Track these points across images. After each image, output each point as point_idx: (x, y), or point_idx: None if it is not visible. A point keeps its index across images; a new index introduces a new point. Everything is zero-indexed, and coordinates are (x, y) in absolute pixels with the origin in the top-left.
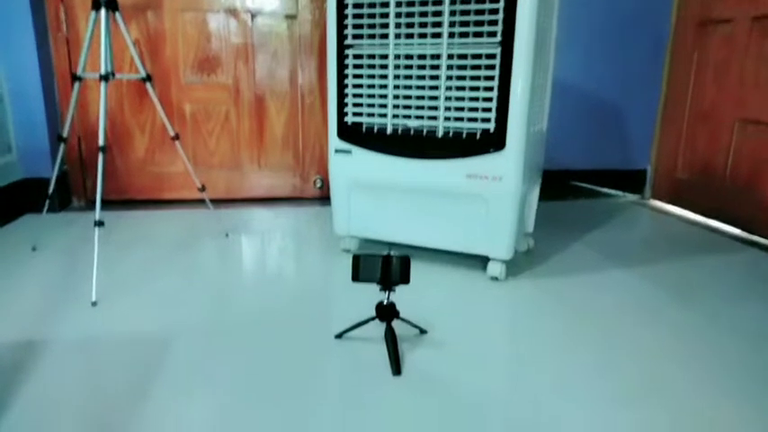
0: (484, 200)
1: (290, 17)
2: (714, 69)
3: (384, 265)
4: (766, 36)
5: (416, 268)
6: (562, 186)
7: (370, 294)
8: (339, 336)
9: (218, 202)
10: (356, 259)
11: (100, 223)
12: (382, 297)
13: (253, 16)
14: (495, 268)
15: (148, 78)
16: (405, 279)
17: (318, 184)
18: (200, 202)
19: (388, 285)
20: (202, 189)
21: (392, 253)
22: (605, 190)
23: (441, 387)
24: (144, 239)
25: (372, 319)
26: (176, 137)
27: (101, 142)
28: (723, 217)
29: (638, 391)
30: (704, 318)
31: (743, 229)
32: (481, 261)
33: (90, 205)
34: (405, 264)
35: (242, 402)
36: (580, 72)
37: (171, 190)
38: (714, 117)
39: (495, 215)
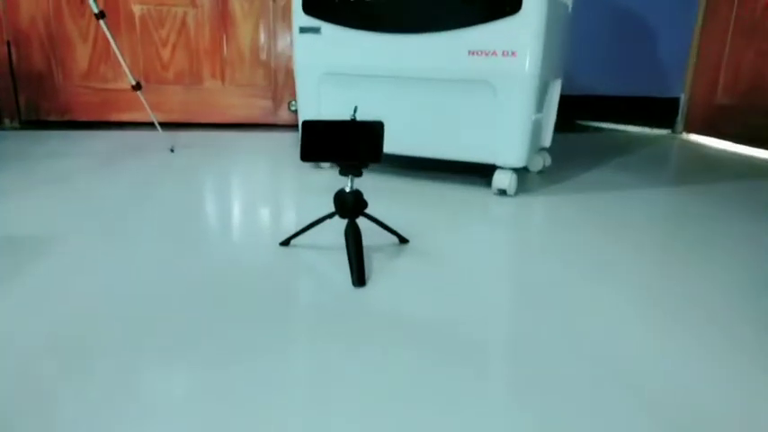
0: (491, 86)
1: None
2: None
3: (344, 134)
4: None
5: (403, 181)
6: (574, 117)
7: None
8: (285, 242)
9: (172, 125)
10: (306, 129)
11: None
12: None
13: None
14: (502, 179)
15: None
16: (374, 154)
17: (293, 107)
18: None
19: (351, 164)
20: (137, 87)
21: (357, 117)
22: (627, 127)
23: (417, 305)
24: (66, 154)
25: (330, 216)
26: (101, 14)
27: None
28: None
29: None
30: None
31: None
32: (486, 176)
33: (26, 126)
34: (374, 131)
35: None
36: None
37: (121, 111)
38: (766, 27)
39: (506, 107)
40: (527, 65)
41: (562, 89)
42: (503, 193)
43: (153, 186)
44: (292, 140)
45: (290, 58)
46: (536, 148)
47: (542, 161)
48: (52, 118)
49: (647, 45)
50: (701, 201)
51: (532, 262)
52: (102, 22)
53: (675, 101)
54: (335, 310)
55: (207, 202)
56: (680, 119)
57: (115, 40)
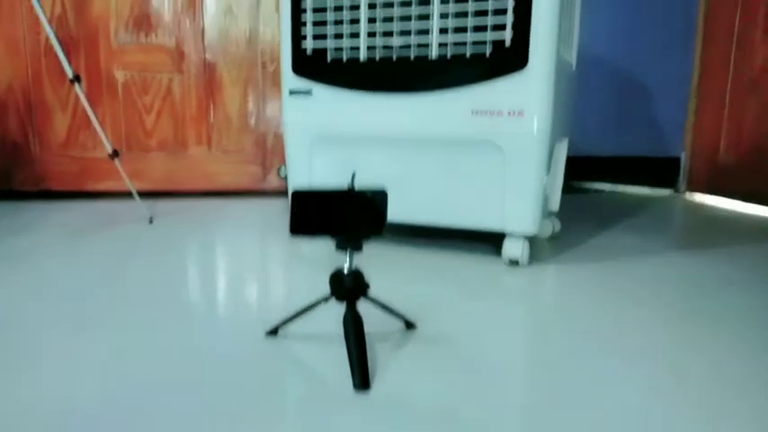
0: (497, 148)
1: None
2: (765, 29)
3: (341, 205)
4: None
5: (405, 253)
6: (586, 176)
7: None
8: (273, 331)
9: (156, 194)
10: (297, 200)
11: None
12: (341, 264)
13: None
14: (514, 248)
15: None
16: (375, 226)
17: (283, 173)
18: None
19: (349, 239)
20: (114, 155)
21: (355, 184)
22: (629, 187)
23: (430, 413)
24: (31, 228)
25: (326, 299)
26: (77, 79)
27: None
28: None
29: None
30: None
31: None
32: (495, 244)
33: (2, 198)
34: (375, 200)
35: None
36: (598, 39)
37: (99, 179)
38: (767, 82)
39: (514, 170)
40: (536, 125)
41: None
42: (514, 263)
43: (124, 264)
44: (282, 207)
45: (279, 123)
46: (545, 214)
47: (552, 226)
48: (26, 188)
49: (646, 105)
50: (714, 266)
51: (551, 344)
52: (77, 86)
53: (677, 160)
54: (332, 422)
55: (183, 282)
56: (682, 178)
57: (91, 106)
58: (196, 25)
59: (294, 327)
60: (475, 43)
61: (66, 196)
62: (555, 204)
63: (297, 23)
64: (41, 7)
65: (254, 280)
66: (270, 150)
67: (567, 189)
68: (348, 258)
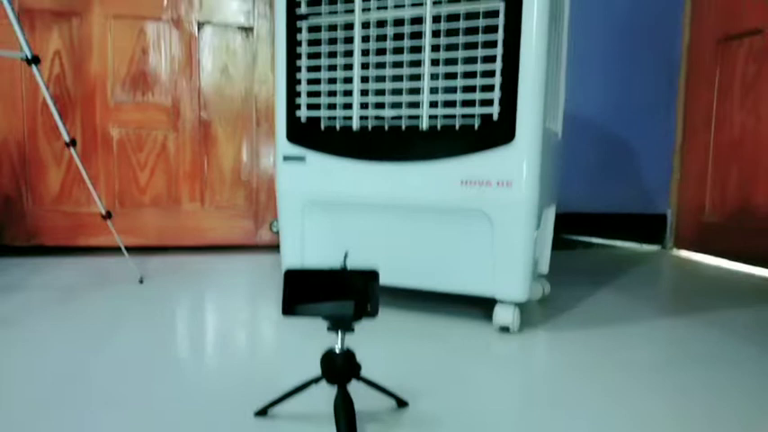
0: (486, 216)
1: (245, 29)
2: (743, 89)
3: (334, 285)
4: None
5: (396, 317)
6: (568, 233)
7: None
8: (261, 412)
9: (147, 249)
10: (290, 279)
11: None
12: (333, 343)
13: (200, 27)
14: (504, 314)
15: (34, 61)
16: (371, 308)
17: (275, 228)
18: (128, 249)
19: (341, 321)
20: (107, 216)
21: (349, 267)
22: (618, 242)
23: None
24: (21, 287)
25: (316, 380)
26: (72, 143)
27: None
28: None
29: None
30: None
31: None
32: (485, 307)
33: None
34: (368, 282)
35: None
36: (585, 101)
37: (91, 234)
38: (747, 145)
39: (503, 238)
40: (523, 195)
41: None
42: (505, 329)
43: (108, 332)
44: (274, 262)
45: (271, 179)
46: (535, 276)
47: (542, 289)
48: (18, 243)
49: (633, 163)
50: (710, 332)
51: (543, 424)
52: (72, 150)
53: (663, 217)
54: None
55: (169, 354)
56: (669, 235)
57: (86, 169)
58: (192, 84)
59: (284, 406)
60: (464, 116)
61: (59, 251)
62: (544, 267)
63: (292, 92)
64: (40, 73)
65: (243, 352)
66: (262, 205)
67: (557, 244)
68: (339, 339)
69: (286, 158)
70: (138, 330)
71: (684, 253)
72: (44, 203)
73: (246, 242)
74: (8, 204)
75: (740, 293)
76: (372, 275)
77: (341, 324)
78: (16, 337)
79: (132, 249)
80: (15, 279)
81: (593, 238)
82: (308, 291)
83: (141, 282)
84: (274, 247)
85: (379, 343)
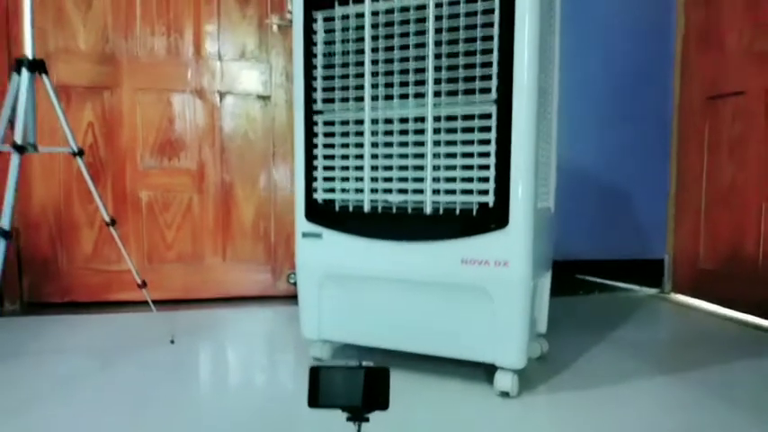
0: (485, 292)
1: (263, 98)
2: (730, 146)
3: (353, 383)
4: None
5: (403, 381)
6: (571, 279)
7: (340, 422)
8: None
9: (173, 302)
10: (314, 375)
11: None
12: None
13: (221, 97)
14: (504, 380)
15: (79, 153)
16: (382, 402)
17: (293, 280)
18: (155, 303)
19: (358, 412)
20: (143, 285)
21: (364, 364)
22: (619, 284)
23: None
24: (66, 350)
25: None
26: (112, 223)
27: (5, 225)
28: (760, 311)
29: None
30: None
31: None
32: (487, 371)
33: (27, 309)
34: (381, 380)
35: None
36: (584, 152)
37: (121, 290)
38: (736, 198)
39: (502, 311)
40: (518, 274)
41: (556, 255)
42: (505, 394)
43: (144, 400)
44: (291, 313)
45: (288, 234)
46: (533, 337)
47: (540, 347)
48: (53, 300)
49: (631, 211)
50: (706, 398)
51: None
52: (112, 229)
53: (661, 262)
54: None
55: (197, 425)
56: (666, 279)
57: (125, 247)
58: (215, 149)
59: None
60: (463, 202)
61: (90, 306)
62: (542, 327)
63: (309, 177)
64: (85, 165)
65: (266, 425)
66: (280, 259)
67: (561, 289)
68: (357, 429)
69: (305, 235)
70: (169, 401)
71: (681, 297)
72: (77, 262)
73: (265, 293)
74: (45, 264)
75: (731, 347)
76: (384, 372)
77: (357, 415)
78: (52, 409)
79: (159, 302)
80: (53, 341)
81: (595, 278)
82: (328, 385)
83: (172, 342)
84: (291, 297)
85: (390, 407)
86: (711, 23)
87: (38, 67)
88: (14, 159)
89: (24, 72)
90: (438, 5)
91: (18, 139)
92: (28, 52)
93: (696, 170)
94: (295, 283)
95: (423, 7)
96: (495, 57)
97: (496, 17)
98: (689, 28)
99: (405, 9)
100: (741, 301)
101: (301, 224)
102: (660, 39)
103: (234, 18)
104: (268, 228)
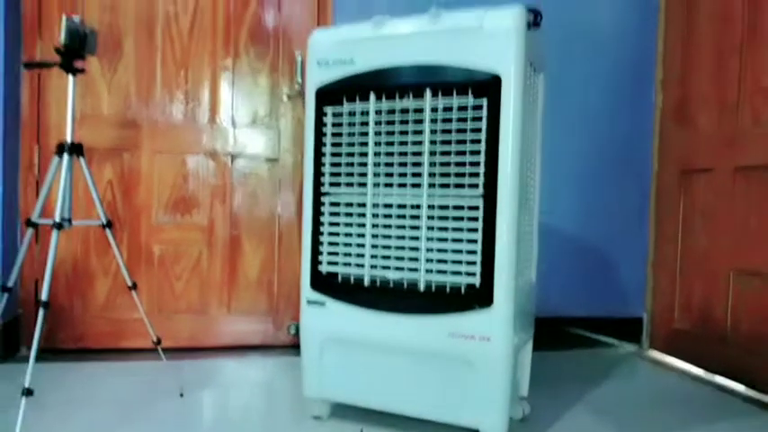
0: (470, 363)
1: (272, 160)
2: (702, 217)
3: None
4: (751, 186)
5: None
6: (556, 334)
7: None
8: None
9: (180, 351)
10: None
11: (28, 392)
12: None
13: (233, 158)
14: None
15: (109, 225)
16: None
17: (293, 331)
18: (164, 351)
19: None
20: (158, 342)
21: None
22: (602, 338)
23: None
24: (85, 401)
25: None
26: (134, 286)
27: (44, 296)
28: (729, 373)
29: None
30: None
31: (752, 387)
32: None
33: (43, 355)
34: None
35: None
36: (568, 215)
37: (131, 338)
38: (708, 265)
39: (484, 381)
40: (500, 349)
41: (540, 311)
42: None
43: None
44: (292, 362)
45: (290, 286)
46: (515, 399)
47: (522, 410)
48: (66, 346)
49: (612, 272)
50: None
51: None
52: (134, 293)
53: (640, 320)
54: None
55: None
56: (645, 337)
57: (144, 308)
58: (226, 206)
59: None
60: (453, 282)
61: (102, 353)
62: (524, 390)
63: (315, 250)
64: (113, 235)
65: None
66: (282, 310)
67: (546, 343)
68: None
69: (309, 302)
70: None
71: (658, 355)
72: (91, 310)
73: (266, 343)
74: (61, 312)
75: (704, 412)
76: None
77: None
78: None
79: (167, 350)
80: (69, 391)
81: (579, 331)
82: None
83: (182, 395)
84: (290, 347)
85: None
86: (685, 102)
87: (76, 150)
88: (54, 236)
89: (65, 155)
90: (434, 110)
91: (57, 216)
92: (68, 137)
93: (672, 236)
94: (296, 334)
95: (420, 110)
96: (482, 157)
97: (484, 124)
98: (666, 105)
99: (404, 110)
100: (711, 362)
101: (306, 292)
102: (641, 113)
103: (248, 88)
104: (272, 280)
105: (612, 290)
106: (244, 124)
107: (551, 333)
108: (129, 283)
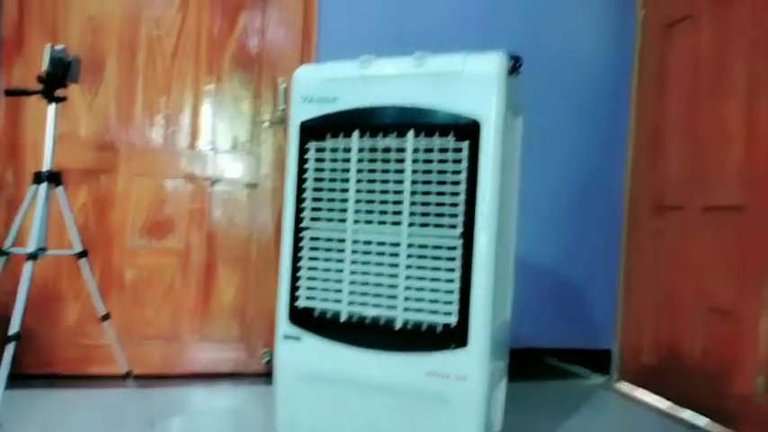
0: (446, 401)
1: (251, 186)
2: (671, 254)
3: None
4: (720, 226)
5: None
6: (531, 365)
7: None
8: None
9: (151, 378)
10: None
11: None
12: None
13: (212, 183)
14: None
15: (83, 254)
16: None
17: (266, 359)
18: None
19: None
20: (127, 375)
21: None
22: (574, 368)
23: None
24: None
25: None
26: (106, 317)
27: (14, 328)
28: (696, 407)
29: None
30: None
31: (719, 422)
32: None
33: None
34: None
35: None
36: (544, 251)
37: (100, 364)
38: (677, 302)
39: (460, 419)
40: (475, 389)
41: (515, 343)
42: None
43: None
44: (263, 393)
45: (264, 313)
46: None
47: None
48: (33, 371)
49: (583, 305)
50: None
51: None
52: (107, 323)
53: (609, 353)
54: None
55: None
56: (614, 369)
57: (115, 337)
58: (202, 231)
59: None
60: (430, 321)
61: (70, 378)
62: (498, 424)
63: (294, 284)
64: (89, 265)
65: None
66: (255, 337)
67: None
68: None
69: (285, 337)
70: None
71: (627, 387)
72: (61, 335)
73: (238, 370)
74: (29, 338)
75: None
76: None
77: None
78: None
79: (137, 377)
80: (35, 422)
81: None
82: None
83: (152, 427)
84: (263, 375)
85: None
86: (658, 141)
87: (54, 179)
88: (28, 266)
89: (43, 185)
90: (415, 150)
91: (32, 246)
92: (47, 165)
93: (642, 271)
94: (268, 363)
95: (402, 149)
96: (461, 198)
97: (464, 166)
98: (639, 143)
99: (387, 149)
100: (678, 397)
101: (282, 326)
102: (615, 151)
103: (229, 113)
104: (246, 307)
105: (585, 322)
106: (224, 149)
107: (526, 364)
108: (102, 313)
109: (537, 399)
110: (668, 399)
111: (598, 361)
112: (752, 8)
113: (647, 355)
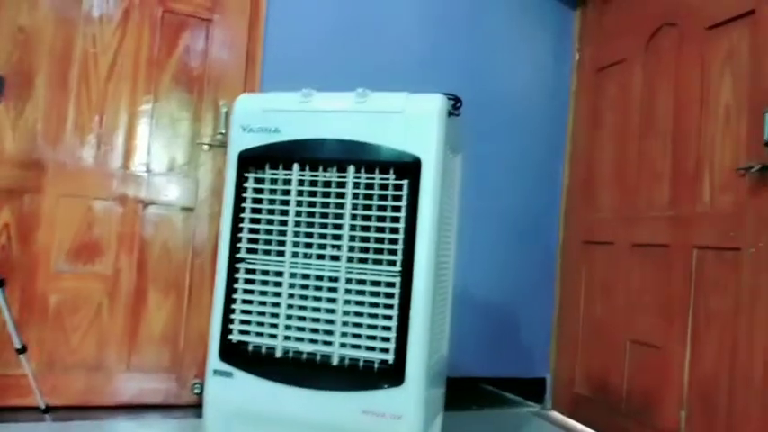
0: None
1: (187, 209)
2: (601, 288)
3: None
4: (645, 262)
5: None
6: (468, 394)
7: None
8: None
9: (73, 409)
10: None
11: None
12: None
13: (145, 206)
14: None
15: (1, 284)
16: None
17: (198, 390)
18: (54, 409)
19: None
20: (46, 411)
21: None
22: (510, 396)
23: None
24: None
25: None
26: (23, 350)
27: None
28: None
29: None
30: None
31: None
32: None
33: None
34: None
35: None
36: (481, 283)
37: (17, 396)
38: (606, 335)
39: None
40: (411, 428)
41: (452, 372)
42: None
43: None
44: (195, 426)
45: (196, 342)
46: None
47: None
48: None
49: (518, 334)
50: None
51: None
52: (22, 357)
53: (544, 381)
54: None
55: None
56: (548, 397)
57: (33, 369)
58: (133, 256)
59: None
60: (366, 358)
61: None
62: None
63: (227, 318)
64: (4, 295)
65: None
66: (186, 367)
67: (454, 404)
68: None
69: (216, 372)
70: None
71: (560, 416)
72: None
73: (168, 402)
74: None
75: None
76: None
77: None
78: None
79: (59, 408)
80: None
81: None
82: None
83: None
84: (194, 407)
85: None
86: (590, 179)
87: None
88: None
89: None
90: (356, 185)
91: None
92: None
93: (574, 304)
94: (199, 394)
95: (343, 184)
96: (401, 235)
97: (404, 203)
98: (572, 180)
99: (327, 183)
100: (605, 427)
101: (213, 362)
102: (551, 187)
103: (167, 134)
104: (178, 336)
105: (521, 352)
106: (160, 171)
107: (464, 393)
108: (18, 346)
109: (473, 427)
110: (598, 429)
111: (533, 389)
112: (676, 53)
113: (579, 386)
